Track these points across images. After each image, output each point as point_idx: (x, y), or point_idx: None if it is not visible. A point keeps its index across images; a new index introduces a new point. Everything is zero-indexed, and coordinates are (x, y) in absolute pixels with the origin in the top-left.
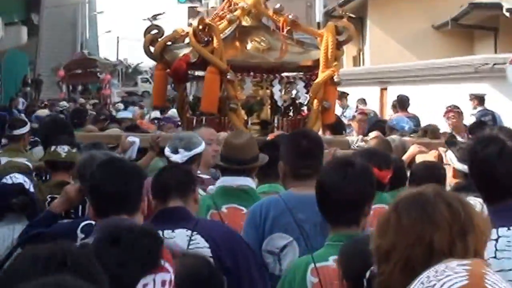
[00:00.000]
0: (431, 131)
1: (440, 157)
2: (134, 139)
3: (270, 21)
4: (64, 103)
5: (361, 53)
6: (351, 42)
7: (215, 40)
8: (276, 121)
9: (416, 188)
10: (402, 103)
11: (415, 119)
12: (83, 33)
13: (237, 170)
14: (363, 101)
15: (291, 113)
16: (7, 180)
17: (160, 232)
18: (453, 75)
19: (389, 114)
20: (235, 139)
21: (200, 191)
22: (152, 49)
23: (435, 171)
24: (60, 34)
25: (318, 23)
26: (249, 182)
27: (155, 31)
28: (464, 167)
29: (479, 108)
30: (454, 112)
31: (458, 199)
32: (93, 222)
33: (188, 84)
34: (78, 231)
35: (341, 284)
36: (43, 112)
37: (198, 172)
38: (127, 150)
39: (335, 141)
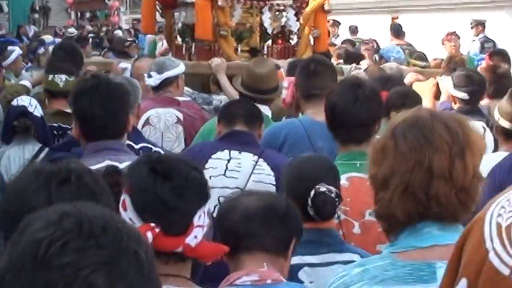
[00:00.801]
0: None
1: (437, 85)
2: (126, 65)
3: None
4: (72, 29)
5: None
6: None
7: None
8: (265, 48)
9: (410, 111)
10: (395, 32)
11: (410, 47)
12: None
13: (257, 99)
14: (354, 29)
15: (280, 41)
16: (14, 102)
17: (227, 151)
18: (470, 4)
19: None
20: (258, 68)
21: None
22: None
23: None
24: None
25: None
26: (266, 110)
27: None
28: (460, 94)
29: (481, 35)
30: (454, 35)
31: (455, 118)
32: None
33: (177, 11)
34: None
35: None
36: (48, 38)
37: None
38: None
39: None
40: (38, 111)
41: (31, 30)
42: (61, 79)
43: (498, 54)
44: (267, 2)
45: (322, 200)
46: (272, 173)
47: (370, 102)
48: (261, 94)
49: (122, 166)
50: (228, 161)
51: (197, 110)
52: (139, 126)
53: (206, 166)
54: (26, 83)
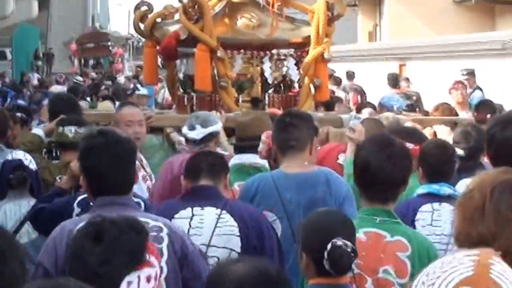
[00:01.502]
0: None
1: (435, 135)
2: None
3: None
4: (78, 77)
5: (377, 28)
6: (366, 17)
7: (205, 17)
8: (267, 98)
9: (503, 172)
10: (391, 81)
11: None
12: (94, 6)
13: (247, 147)
14: (351, 75)
15: (282, 91)
16: (8, 156)
17: (189, 209)
18: (477, 51)
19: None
20: (243, 117)
21: None
22: (142, 26)
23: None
24: (71, 7)
25: None
26: (258, 159)
27: (144, 7)
28: (458, 150)
29: (475, 86)
30: (462, 85)
31: None
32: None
33: (178, 62)
34: (75, 205)
35: (300, 257)
36: (57, 89)
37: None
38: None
39: (326, 118)
40: (32, 165)
41: (35, 77)
42: (70, 130)
43: (481, 104)
44: (267, 52)
45: (338, 254)
46: (236, 224)
47: (403, 161)
48: (245, 142)
49: None
50: (191, 219)
51: None
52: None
53: None
54: (39, 132)
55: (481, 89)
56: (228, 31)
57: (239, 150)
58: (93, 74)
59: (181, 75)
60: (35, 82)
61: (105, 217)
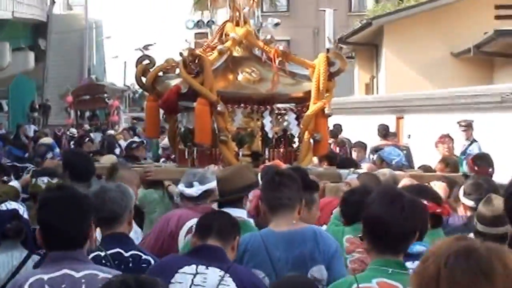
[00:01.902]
0: (453, 164)
1: (445, 191)
2: None
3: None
4: (73, 130)
5: (374, 80)
6: (363, 69)
7: (205, 71)
8: (267, 152)
9: (457, 238)
10: (381, 132)
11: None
12: (90, 58)
13: (229, 201)
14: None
15: (282, 145)
16: (1, 207)
17: (194, 266)
18: (475, 104)
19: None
20: (222, 171)
21: None
22: (144, 79)
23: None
24: (67, 59)
25: (328, 49)
26: (241, 212)
27: (146, 61)
28: (468, 202)
29: (471, 138)
30: (449, 138)
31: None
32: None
33: (179, 115)
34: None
35: None
36: (47, 140)
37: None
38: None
39: (325, 173)
40: (26, 215)
41: (31, 129)
42: (43, 181)
43: (481, 158)
44: (267, 106)
45: None
46: None
47: (413, 213)
48: (227, 196)
49: (79, 275)
50: (194, 276)
51: None
52: (182, 234)
53: (172, 280)
54: (16, 184)
55: (477, 142)
56: (229, 85)
57: (221, 205)
58: (87, 127)
59: (182, 129)
60: (31, 133)
61: (115, 277)
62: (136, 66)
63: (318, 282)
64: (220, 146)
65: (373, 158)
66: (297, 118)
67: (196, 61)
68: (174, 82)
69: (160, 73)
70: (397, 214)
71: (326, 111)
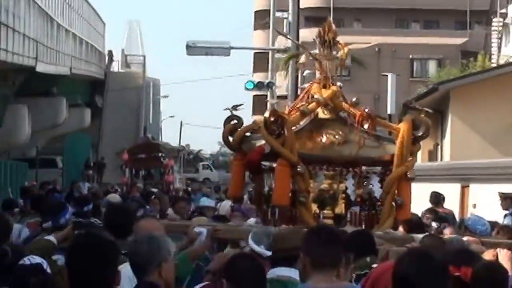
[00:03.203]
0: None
1: (497, 257)
2: (201, 229)
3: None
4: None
5: (438, 147)
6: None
7: (286, 132)
8: (349, 215)
9: None
10: (434, 199)
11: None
12: (146, 116)
13: (283, 258)
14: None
15: (365, 208)
16: (25, 261)
17: None
18: None
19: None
20: (277, 230)
21: None
22: (231, 139)
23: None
24: (123, 117)
25: (389, 115)
26: (293, 273)
27: (234, 121)
28: None
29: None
30: None
31: None
32: None
33: (265, 176)
34: None
35: None
36: (114, 197)
37: None
38: (194, 241)
39: (399, 238)
40: (49, 270)
41: (85, 186)
42: None
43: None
44: (350, 169)
45: None
46: None
47: (442, 274)
48: (281, 253)
49: None
50: None
51: None
52: None
53: None
54: (52, 238)
55: None
56: (312, 147)
57: (275, 261)
58: (140, 185)
59: (266, 189)
60: (85, 191)
61: None
62: (224, 125)
63: None
64: (299, 207)
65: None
66: (380, 181)
67: (278, 121)
68: (259, 142)
69: (247, 134)
70: (424, 275)
71: (409, 175)
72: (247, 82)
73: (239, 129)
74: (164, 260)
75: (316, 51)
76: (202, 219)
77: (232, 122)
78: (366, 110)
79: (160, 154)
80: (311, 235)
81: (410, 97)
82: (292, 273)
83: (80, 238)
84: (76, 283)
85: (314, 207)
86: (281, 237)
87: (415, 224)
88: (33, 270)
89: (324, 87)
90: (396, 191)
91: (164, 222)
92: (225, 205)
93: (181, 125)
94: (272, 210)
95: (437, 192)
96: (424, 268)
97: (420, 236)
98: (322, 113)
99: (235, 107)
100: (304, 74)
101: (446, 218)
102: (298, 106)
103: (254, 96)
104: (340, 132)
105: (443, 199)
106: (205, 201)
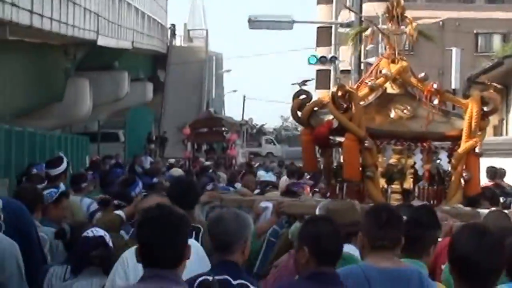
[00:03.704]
0: None
1: None
2: (268, 204)
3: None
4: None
5: (503, 122)
6: None
7: (353, 107)
8: (417, 190)
9: None
10: (490, 174)
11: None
12: (209, 91)
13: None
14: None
15: (434, 183)
16: (88, 233)
17: None
18: None
19: None
20: (332, 205)
21: None
22: (299, 113)
23: None
24: (186, 91)
25: (454, 90)
26: (350, 248)
27: (303, 96)
28: None
29: None
30: None
31: None
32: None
33: (334, 150)
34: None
35: None
36: (177, 171)
37: None
38: (260, 215)
39: (465, 213)
40: (111, 244)
41: (147, 160)
42: None
43: None
44: (419, 144)
45: None
46: None
47: (501, 249)
48: None
49: None
50: None
51: None
52: None
53: None
54: (121, 213)
55: None
56: (380, 122)
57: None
58: (202, 160)
59: (335, 164)
60: (147, 165)
61: None
62: (293, 100)
63: None
64: (366, 182)
65: None
66: (449, 157)
67: (346, 96)
68: (328, 117)
69: (316, 109)
70: (484, 252)
71: (477, 150)
72: (310, 56)
73: (307, 104)
74: (248, 238)
75: (379, 25)
76: (273, 194)
77: (301, 97)
78: (435, 86)
79: (222, 129)
80: (371, 215)
81: (474, 72)
82: (350, 249)
83: (150, 211)
84: (147, 257)
85: (382, 182)
86: (337, 212)
87: (483, 199)
88: (94, 243)
89: (393, 62)
90: (464, 166)
91: (229, 196)
92: (283, 181)
93: (244, 99)
94: (340, 185)
95: (493, 167)
96: (479, 244)
97: (486, 211)
98: (390, 88)
99: (303, 82)
100: (368, 48)
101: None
102: (366, 81)
103: (318, 70)
104: (409, 107)
105: (503, 173)
106: (265, 176)
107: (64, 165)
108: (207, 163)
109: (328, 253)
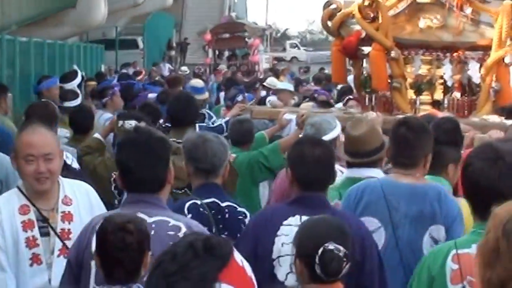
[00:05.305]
0: None
1: None
2: (291, 116)
3: None
4: (185, 67)
5: None
6: None
7: (381, 16)
8: (446, 101)
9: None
10: None
11: None
12: None
13: (361, 165)
14: None
15: (464, 94)
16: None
17: (298, 217)
18: None
19: None
20: (354, 130)
21: None
22: (329, 23)
23: None
24: None
25: None
26: (376, 172)
27: (333, 6)
28: None
29: None
30: None
31: None
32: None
33: (364, 61)
34: (185, 210)
35: (294, 262)
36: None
37: None
38: (285, 127)
39: (491, 125)
40: (75, 164)
41: (166, 68)
42: (130, 124)
43: None
44: (448, 54)
45: (329, 258)
46: None
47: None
48: (361, 158)
49: (150, 220)
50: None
51: None
52: None
53: (278, 233)
54: (98, 136)
55: None
56: (409, 31)
57: (351, 166)
58: (223, 66)
59: (364, 74)
60: (166, 72)
61: (183, 238)
62: (323, 10)
63: (435, 242)
64: (393, 93)
65: None
66: (479, 67)
67: (373, 6)
68: (358, 27)
69: (346, 19)
70: (497, 178)
71: (507, 60)
72: None
73: (338, 14)
74: (227, 160)
75: None
76: (308, 105)
77: (331, 7)
78: None
79: (244, 34)
80: (393, 133)
81: None
82: (378, 173)
83: (129, 135)
84: (127, 180)
85: (411, 93)
86: (356, 141)
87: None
88: None
89: None
90: (494, 77)
91: (259, 109)
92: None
93: (267, 3)
94: (369, 96)
95: None
96: (497, 169)
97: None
98: None
99: None
100: None
101: None
102: None
103: None
104: (438, 16)
105: None
106: (280, 84)
107: (78, 79)
108: (225, 69)
109: (311, 178)
